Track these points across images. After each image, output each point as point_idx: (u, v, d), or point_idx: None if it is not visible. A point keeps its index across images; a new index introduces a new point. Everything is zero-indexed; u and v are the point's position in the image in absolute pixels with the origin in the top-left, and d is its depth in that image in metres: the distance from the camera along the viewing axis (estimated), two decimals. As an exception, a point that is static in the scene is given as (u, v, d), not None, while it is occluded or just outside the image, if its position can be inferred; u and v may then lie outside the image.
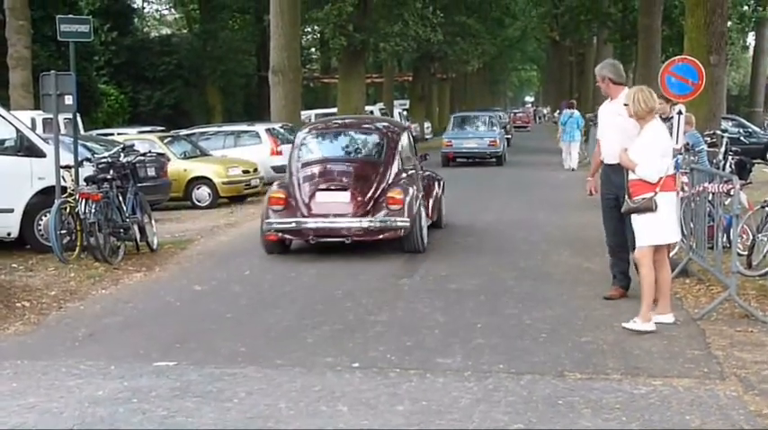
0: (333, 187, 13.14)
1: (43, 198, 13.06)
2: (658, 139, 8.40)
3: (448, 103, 77.40)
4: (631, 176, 8.39)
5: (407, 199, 12.86)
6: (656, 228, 8.26)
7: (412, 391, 6.61)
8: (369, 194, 12.97)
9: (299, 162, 13.71)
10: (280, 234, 12.93)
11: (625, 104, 8.50)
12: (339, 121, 18.07)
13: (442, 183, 15.82)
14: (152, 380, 7.06)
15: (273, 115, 28.64)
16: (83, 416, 6.21)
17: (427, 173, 15.42)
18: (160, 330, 8.83)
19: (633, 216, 8.40)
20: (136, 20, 50.41)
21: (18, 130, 13.35)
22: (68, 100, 13.18)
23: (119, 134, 25.16)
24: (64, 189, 12.85)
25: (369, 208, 12.84)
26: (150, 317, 9.50)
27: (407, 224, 12.71)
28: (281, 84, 28.41)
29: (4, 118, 13.39)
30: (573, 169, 29.13)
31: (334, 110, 38.99)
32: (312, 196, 12.98)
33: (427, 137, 56.90)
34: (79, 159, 13.59)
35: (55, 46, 30.63)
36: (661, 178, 8.24)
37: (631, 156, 8.38)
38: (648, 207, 8.19)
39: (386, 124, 16.14)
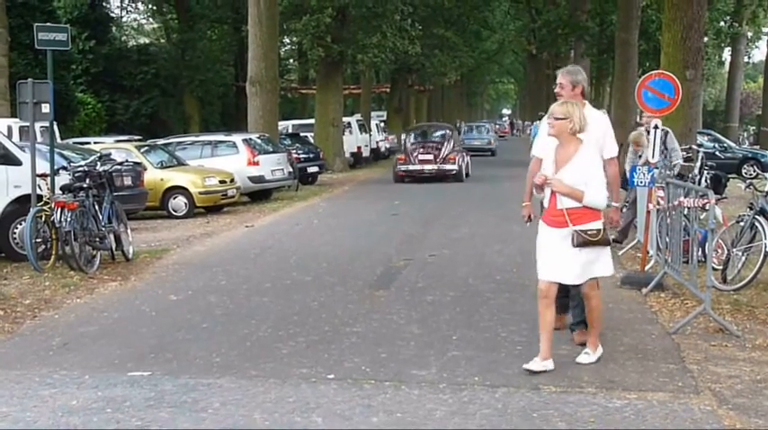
0: (424, 152, 30.74)
1: (18, 206, 13.01)
2: (600, 160, 7.66)
3: (425, 114, 77.52)
4: (569, 204, 7.28)
5: (457, 158, 30.82)
6: (602, 259, 7.49)
7: (387, 403, 6.61)
8: (440, 156, 30.39)
9: (409, 142, 32.02)
10: (402, 173, 30.38)
11: (559, 118, 7.32)
12: (425, 124, 44.93)
13: (468, 155, 34.01)
14: (126, 389, 7.02)
15: (251, 125, 28.64)
16: (56, 426, 6.18)
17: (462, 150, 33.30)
18: (135, 340, 8.79)
19: (574, 251, 7.29)
20: (114, 29, 50.16)
21: (-6, 138, 13.28)
22: (45, 108, 13.14)
23: (95, 143, 25.03)
24: (40, 197, 12.80)
25: (440, 161, 30.29)
26: (125, 326, 9.45)
27: (456, 169, 30.39)
28: (258, 94, 28.41)
29: (-21, 125, 13.34)
30: None
31: (312, 121, 39.00)
32: (415, 156, 30.60)
33: (404, 148, 56.92)
34: (55, 168, 13.54)
35: (32, 54, 30.51)
36: None
37: (569, 180, 7.31)
38: (608, 241, 7.47)
39: (446, 125, 36.22)
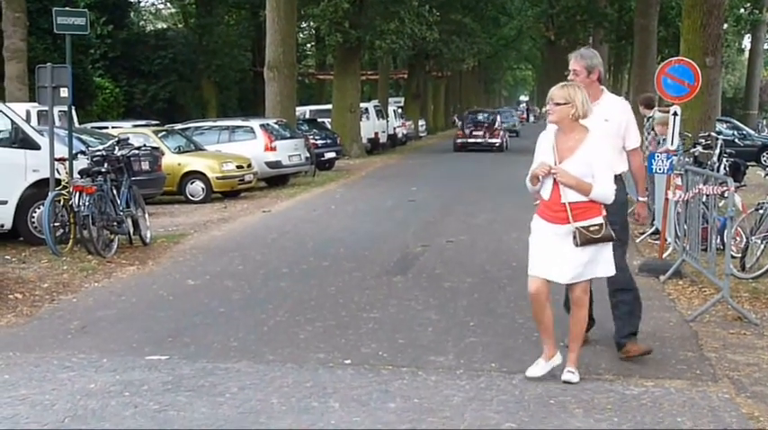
0: (476, 130, 42.36)
1: (37, 190, 13.05)
2: (608, 149, 6.90)
3: (443, 101, 77.38)
4: (574, 198, 6.60)
5: (501, 134, 42.82)
6: (603, 258, 6.77)
7: (404, 389, 6.62)
8: (489, 132, 42.03)
9: (467, 121, 43.78)
10: (460, 144, 41.88)
11: (559, 103, 6.64)
12: (476, 109, 53.89)
13: (506, 133, 44.62)
14: (144, 373, 7.05)
15: (268, 111, 28.63)
16: (74, 409, 6.20)
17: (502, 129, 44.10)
18: (153, 324, 8.82)
19: (576, 250, 6.61)
20: (132, 13, 50.19)
21: (13, 122, 13.34)
22: (64, 92, 13.17)
23: (113, 127, 25.12)
24: (58, 181, 12.83)
25: (488, 136, 41.77)
26: (143, 310, 9.48)
27: (499, 142, 41.89)
28: (276, 79, 28.40)
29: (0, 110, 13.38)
30: None
31: (329, 106, 38.97)
32: (470, 132, 42.30)
33: (422, 134, 56.91)
34: (74, 152, 13.58)
35: (51, 38, 30.58)
36: None
37: (576, 172, 6.63)
38: (611, 237, 6.67)
39: (490, 110, 50.65)
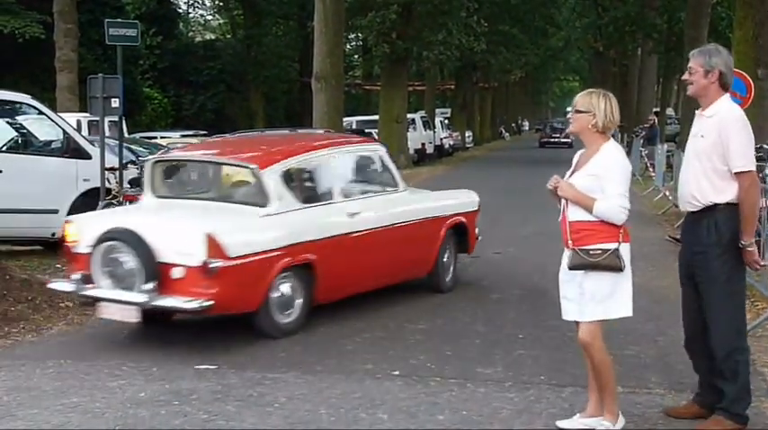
0: (553, 132, 62.58)
1: (88, 199, 13.16)
2: (625, 163, 5.89)
3: (489, 112, 77.23)
4: (578, 217, 5.74)
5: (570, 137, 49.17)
6: (617, 295, 5.78)
7: (452, 401, 6.59)
8: (561, 135, 57.87)
9: (547, 128, 67.00)
10: (543, 142, 61.84)
11: (580, 111, 5.88)
12: (552, 120, 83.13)
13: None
14: (193, 382, 7.08)
15: (315, 121, 28.65)
16: (125, 417, 6.25)
17: None
18: (201, 333, 8.86)
19: (580, 275, 5.75)
20: (181, 25, 50.84)
21: (65, 132, 13.49)
22: (115, 103, 13.31)
23: (162, 137, 25.36)
24: (108, 191, 12.96)
25: (562, 137, 57.09)
26: (192, 320, 9.52)
27: (570, 141, 50.72)
28: (323, 90, 28.43)
29: (52, 120, 13.55)
30: None
31: (376, 117, 39.02)
32: (551, 134, 62.62)
33: (468, 145, 56.83)
34: (124, 162, 13.70)
35: (101, 49, 30.98)
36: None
37: (582, 186, 5.77)
38: (614, 265, 5.67)
39: (561, 119, 67.75)
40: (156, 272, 8.05)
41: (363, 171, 10.56)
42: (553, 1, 56.15)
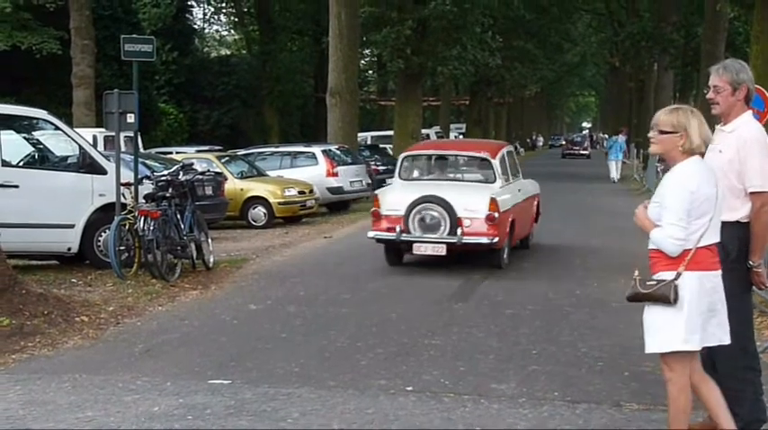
0: (573, 145, 73.54)
1: (103, 214, 13.21)
2: (691, 186, 5.23)
3: (504, 127, 77.25)
4: (650, 244, 5.40)
5: (587, 149, 73.03)
6: (669, 326, 5.26)
7: (466, 417, 6.58)
8: (581, 147, 72.13)
9: (569, 142, 77.84)
10: (566, 153, 70.77)
11: (666, 131, 5.40)
12: (574, 135, 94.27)
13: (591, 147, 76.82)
14: (207, 397, 7.09)
15: (330, 136, 28.77)
16: (139, 432, 6.26)
17: (589, 145, 77.66)
18: (215, 348, 8.88)
19: (645, 310, 5.39)
20: (196, 40, 51.00)
21: (81, 148, 13.54)
22: (130, 118, 13.35)
23: (177, 153, 25.44)
24: (124, 206, 13.00)
25: (580, 149, 71.08)
26: (206, 334, 9.55)
27: (587, 153, 70.91)
28: (338, 105, 28.54)
29: (68, 135, 13.61)
30: (614, 181, 37.50)
31: (390, 132, 39.07)
32: (572, 146, 72.86)
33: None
34: (139, 177, 13.75)
35: (117, 65, 31.09)
36: (688, 251, 5.21)
37: (650, 212, 5.41)
38: (664, 295, 5.20)
39: (581, 135, 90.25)
40: (456, 222, 12.98)
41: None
42: (569, 16, 56.25)
